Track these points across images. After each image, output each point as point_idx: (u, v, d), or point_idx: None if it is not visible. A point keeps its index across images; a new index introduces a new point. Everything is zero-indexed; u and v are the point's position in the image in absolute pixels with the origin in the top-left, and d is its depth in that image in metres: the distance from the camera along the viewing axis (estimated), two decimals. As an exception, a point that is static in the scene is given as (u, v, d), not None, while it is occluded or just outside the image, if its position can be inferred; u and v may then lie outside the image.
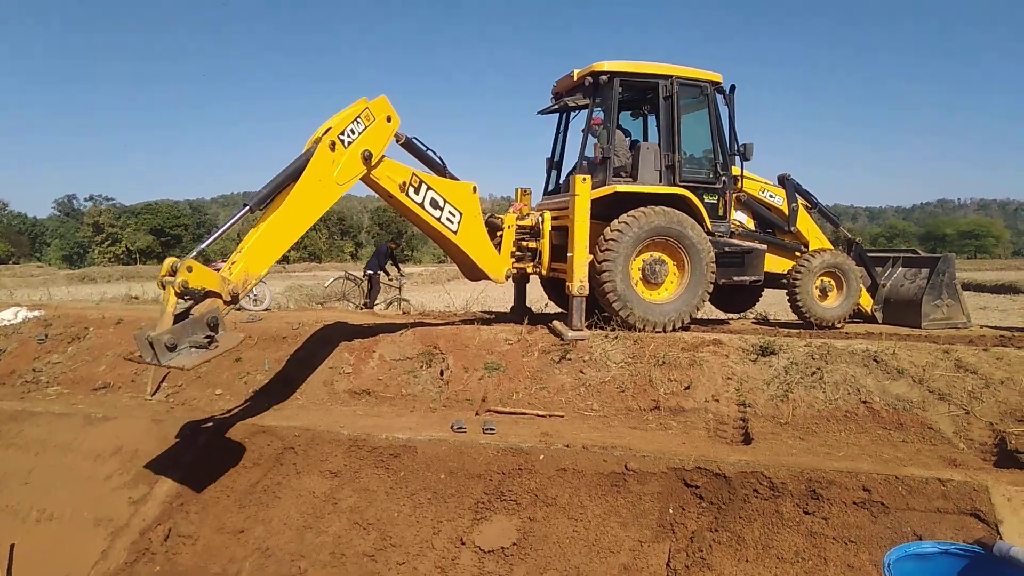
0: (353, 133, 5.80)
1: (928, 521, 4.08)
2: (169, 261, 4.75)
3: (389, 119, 6.15)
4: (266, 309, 10.09)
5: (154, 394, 7.10)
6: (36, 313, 9.36)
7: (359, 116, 5.87)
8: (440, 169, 6.96)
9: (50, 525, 5.40)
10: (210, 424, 5.95)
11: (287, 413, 6.21)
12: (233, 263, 5.05)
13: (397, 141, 6.56)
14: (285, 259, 57.43)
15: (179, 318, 4.63)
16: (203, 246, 5.04)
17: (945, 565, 3.30)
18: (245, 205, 5.17)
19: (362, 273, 12.88)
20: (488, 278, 7.36)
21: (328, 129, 5.70)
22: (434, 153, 6.96)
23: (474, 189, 7.01)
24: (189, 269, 4.63)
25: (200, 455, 5.65)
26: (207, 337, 4.70)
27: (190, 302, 4.85)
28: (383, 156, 6.14)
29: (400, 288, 12.52)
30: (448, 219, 6.74)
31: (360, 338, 7.30)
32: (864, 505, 4.21)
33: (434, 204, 6.60)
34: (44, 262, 60.60)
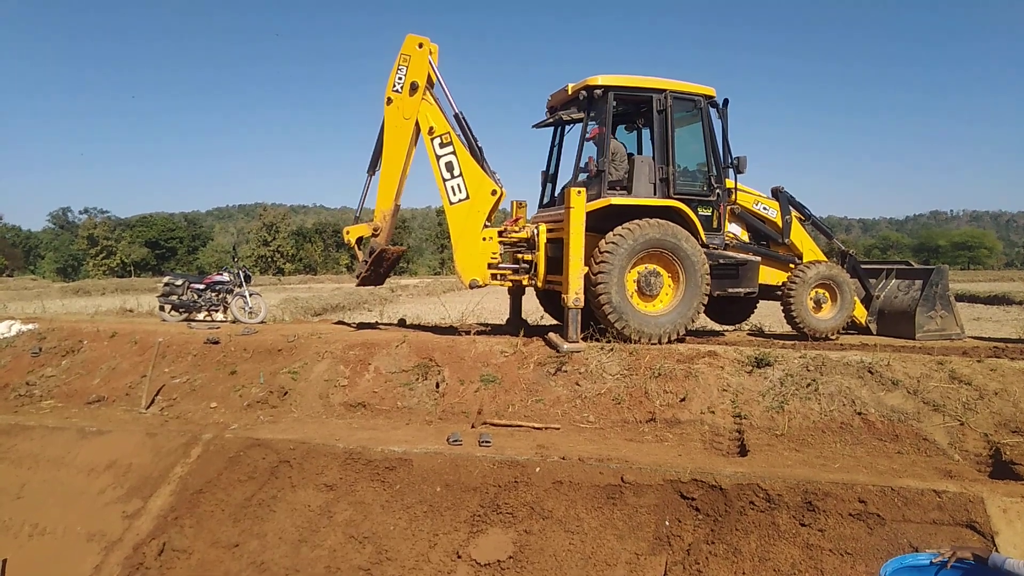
0: (401, 79, 7.26)
1: (924, 532, 4.08)
2: (344, 231, 8.12)
3: (420, 45, 7.26)
4: (261, 322, 10.04)
5: (148, 407, 7.06)
6: (30, 326, 9.32)
7: (398, 64, 7.21)
8: (475, 154, 7.52)
9: (43, 540, 5.36)
10: (205, 437, 5.92)
11: (282, 426, 6.18)
12: (373, 211, 7.76)
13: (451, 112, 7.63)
14: (280, 271, 57.53)
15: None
16: (357, 213, 8.20)
17: (941, 577, 3.30)
18: (367, 172, 7.83)
19: None
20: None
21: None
22: (475, 140, 7.60)
23: (493, 191, 7.44)
24: (348, 232, 7.98)
25: (194, 469, 5.62)
26: (368, 261, 7.86)
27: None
28: (430, 85, 7.46)
29: None
30: (452, 189, 7.37)
31: (356, 351, 7.29)
32: (860, 517, 4.22)
33: (449, 167, 7.37)
34: (38, 275, 60.28)
